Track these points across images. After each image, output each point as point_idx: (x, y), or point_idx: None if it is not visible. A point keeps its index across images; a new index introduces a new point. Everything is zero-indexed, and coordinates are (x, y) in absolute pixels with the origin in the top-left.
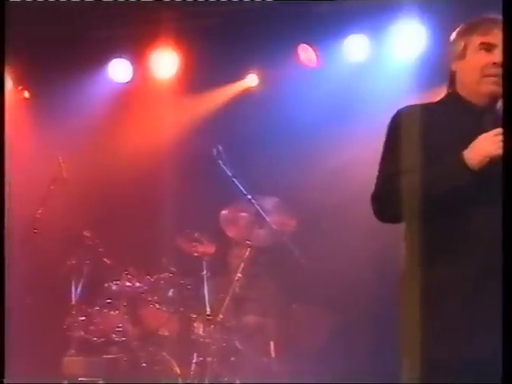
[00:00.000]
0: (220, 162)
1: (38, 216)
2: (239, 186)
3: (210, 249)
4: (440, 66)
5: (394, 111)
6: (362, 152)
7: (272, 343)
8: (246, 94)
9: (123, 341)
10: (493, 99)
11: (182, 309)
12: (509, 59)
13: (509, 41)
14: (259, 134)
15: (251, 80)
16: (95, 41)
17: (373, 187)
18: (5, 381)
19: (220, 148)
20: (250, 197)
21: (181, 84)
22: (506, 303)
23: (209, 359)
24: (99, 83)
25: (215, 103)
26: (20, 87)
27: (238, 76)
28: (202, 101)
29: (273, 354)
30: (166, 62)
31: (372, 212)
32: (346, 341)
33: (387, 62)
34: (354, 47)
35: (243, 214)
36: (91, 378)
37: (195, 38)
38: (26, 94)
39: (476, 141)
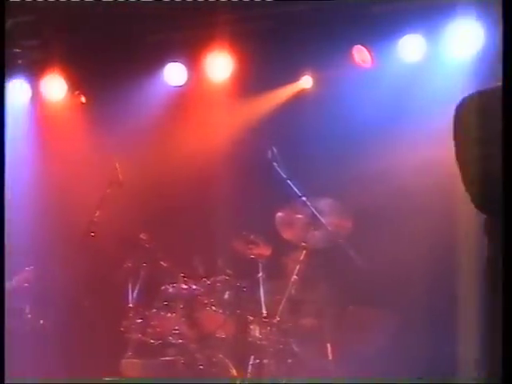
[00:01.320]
0: (275, 164)
1: (95, 219)
2: (294, 187)
3: (266, 251)
4: (497, 64)
5: (451, 110)
6: (419, 152)
7: (329, 345)
8: (301, 96)
9: (180, 343)
10: None
11: (238, 311)
12: (509, 58)
13: (509, 39)
14: (314, 135)
15: (306, 82)
16: (150, 45)
17: (429, 185)
18: (5, 381)
19: (275, 150)
20: (305, 198)
21: (235, 87)
22: (506, 303)
23: (265, 361)
24: (154, 87)
25: (270, 105)
26: (77, 92)
27: (293, 78)
28: (257, 103)
29: (330, 357)
30: (220, 64)
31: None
32: (403, 342)
33: (443, 62)
34: (410, 47)
35: (299, 216)
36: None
37: (249, 41)
38: (83, 99)
39: None
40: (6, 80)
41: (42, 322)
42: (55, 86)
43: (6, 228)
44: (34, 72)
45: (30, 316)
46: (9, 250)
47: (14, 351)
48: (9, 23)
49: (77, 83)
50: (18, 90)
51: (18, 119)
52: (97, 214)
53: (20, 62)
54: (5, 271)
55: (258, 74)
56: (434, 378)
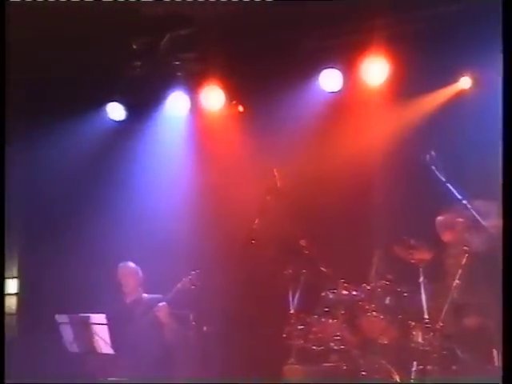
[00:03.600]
0: (433, 167)
1: (254, 227)
2: (454, 190)
3: (427, 255)
4: None
5: None
6: None
7: (495, 351)
8: (459, 98)
9: (342, 349)
10: None
11: (399, 316)
12: (509, 61)
13: (509, 43)
14: (473, 136)
15: (464, 83)
16: (306, 52)
17: None
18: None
19: (433, 153)
20: (465, 201)
21: (392, 90)
22: (506, 303)
23: (429, 367)
24: (310, 93)
25: (427, 108)
26: (234, 102)
27: (451, 79)
28: (414, 106)
29: (496, 363)
30: (376, 69)
31: None
32: None
33: None
34: None
35: (459, 220)
36: None
37: (405, 44)
38: (240, 108)
39: None
40: (5, 80)
41: (205, 328)
42: (213, 97)
43: (173, 235)
44: (193, 83)
45: (194, 323)
46: (175, 256)
47: (177, 355)
48: (167, 37)
49: (234, 93)
50: (177, 101)
51: (179, 130)
52: (256, 222)
53: (179, 74)
54: (4, 271)
55: (414, 77)
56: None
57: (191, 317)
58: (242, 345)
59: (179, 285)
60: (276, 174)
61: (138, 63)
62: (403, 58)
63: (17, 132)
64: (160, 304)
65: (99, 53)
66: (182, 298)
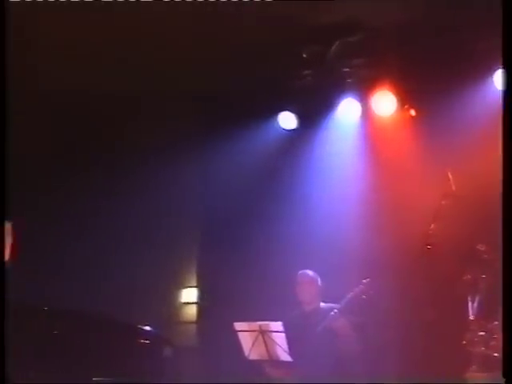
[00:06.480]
0: None
1: (430, 232)
2: None
3: None
4: None
5: None
6: None
7: None
8: None
9: None
10: None
11: None
12: (509, 59)
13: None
14: None
15: None
16: (479, 52)
17: None
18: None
19: None
20: None
21: None
22: (506, 302)
23: None
24: (484, 94)
25: None
26: (406, 106)
27: None
28: None
29: None
30: None
31: None
32: None
33: None
34: None
35: None
36: None
37: None
38: (412, 113)
39: None
40: (5, 81)
41: (382, 333)
42: (385, 102)
43: (346, 241)
44: (364, 89)
45: (369, 330)
46: (349, 261)
47: (352, 361)
48: (336, 44)
49: (406, 97)
50: (348, 108)
51: (351, 136)
52: (432, 227)
53: (349, 80)
54: (5, 272)
55: None
56: None
57: (367, 323)
58: (421, 351)
59: (350, 294)
60: (450, 177)
61: (308, 72)
62: None
63: (192, 143)
64: (332, 313)
65: (270, 63)
66: (356, 306)
